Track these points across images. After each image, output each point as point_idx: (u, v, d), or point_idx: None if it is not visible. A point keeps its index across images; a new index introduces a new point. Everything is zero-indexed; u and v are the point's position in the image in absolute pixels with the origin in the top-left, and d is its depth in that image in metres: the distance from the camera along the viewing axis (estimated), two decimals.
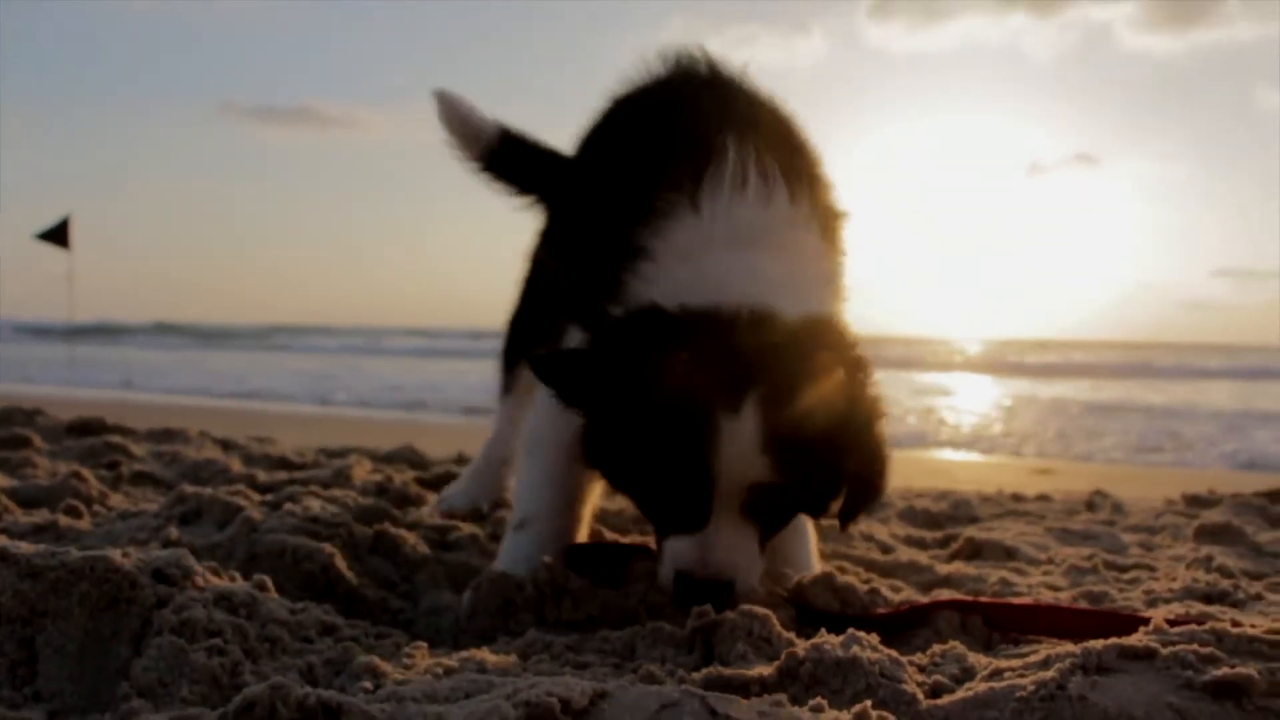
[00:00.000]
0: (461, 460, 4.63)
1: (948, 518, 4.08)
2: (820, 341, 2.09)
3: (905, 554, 3.15)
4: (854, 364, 2.14)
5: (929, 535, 3.62)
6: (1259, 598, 2.52)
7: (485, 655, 1.78)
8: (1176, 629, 1.67)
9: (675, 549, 2.11)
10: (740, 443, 1.97)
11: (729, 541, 2.08)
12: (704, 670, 1.69)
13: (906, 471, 6.41)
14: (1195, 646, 1.57)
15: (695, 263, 2.12)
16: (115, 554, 1.81)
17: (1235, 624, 1.68)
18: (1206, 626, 1.67)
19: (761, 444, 1.98)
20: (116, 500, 3.36)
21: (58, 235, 23.96)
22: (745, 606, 1.96)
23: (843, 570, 2.56)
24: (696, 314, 2.04)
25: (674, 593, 2.12)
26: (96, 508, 3.15)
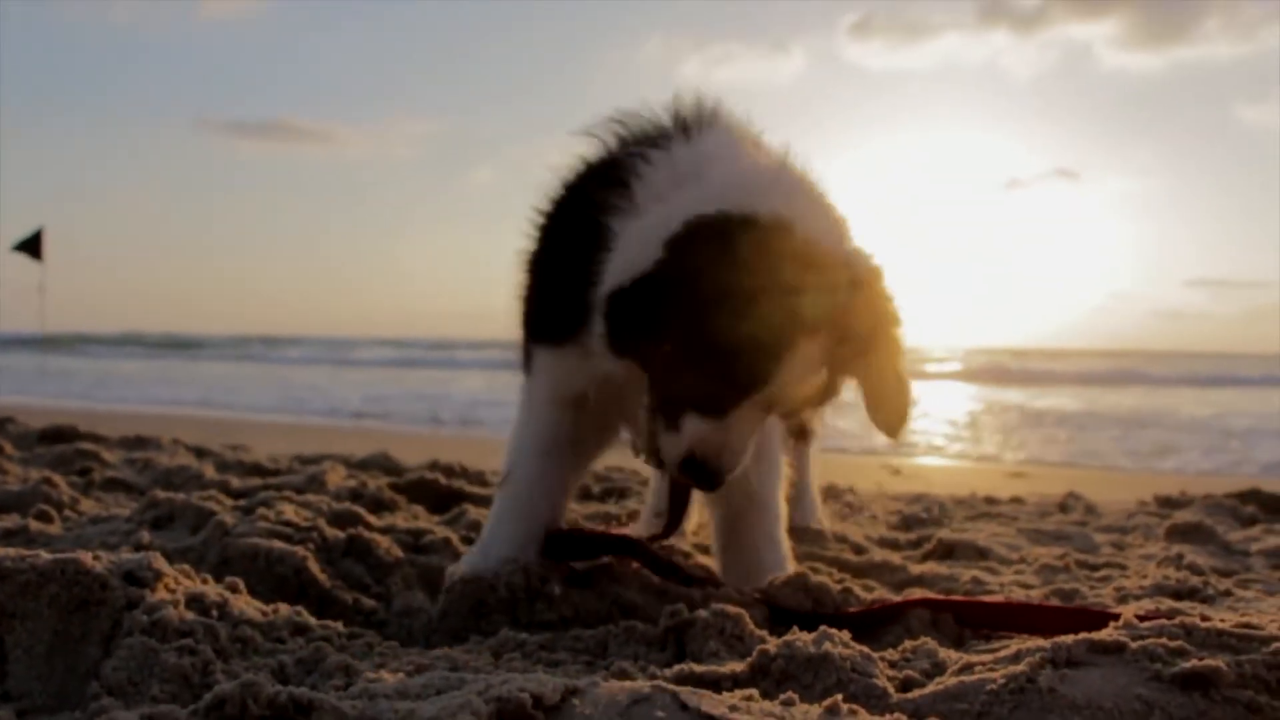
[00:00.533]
0: (435, 467, 4.57)
1: (921, 520, 4.10)
2: (862, 274, 2.11)
3: (878, 554, 3.17)
4: (886, 298, 2.17)
5: (902, 536, 3.64)
6: (1228, 594, 2.54)
7: (457, 654, 1.78)
8: (1146, 624, 1.68)
9: (695, 430, 2.11)
10: (790, 374, 2.03)
11: (741, 433, 2.12)
12: (676, 667, 1.69)
13: (880, 476, 6.43)
14: (1164, 640, 1.59)
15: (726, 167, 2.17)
16: (86, 557, 1.80)
17: (1204, 619, 1.69)
18: (1176, 621, 1.68)
19: (805, 376, 2.05)
20: (88, 506, 3.34)
21: (31, 247, 23.86)
22: (717, 605, 1.97)
23: (816, 571, 2.57)
24: (767, 229, 2.03)
25: (680, 468, 2.14)
26: (68, 513, 3.14)
